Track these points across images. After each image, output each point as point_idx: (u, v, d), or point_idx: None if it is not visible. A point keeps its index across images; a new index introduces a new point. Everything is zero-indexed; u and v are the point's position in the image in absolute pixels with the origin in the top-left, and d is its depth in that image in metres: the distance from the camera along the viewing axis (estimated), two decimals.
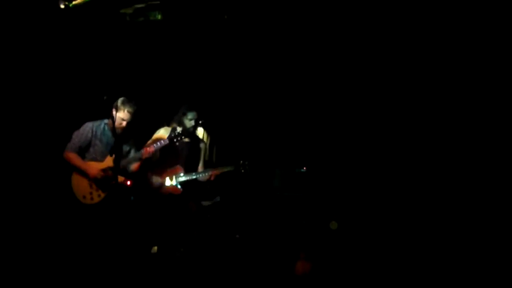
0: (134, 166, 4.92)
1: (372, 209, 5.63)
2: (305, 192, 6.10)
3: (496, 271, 4.43)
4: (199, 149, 5.34)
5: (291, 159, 6.37)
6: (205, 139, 5.61)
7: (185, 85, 6.13)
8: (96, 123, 4.80)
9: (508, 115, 4.93)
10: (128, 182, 4.77)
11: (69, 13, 4.66)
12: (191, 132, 5.19)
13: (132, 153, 4.92)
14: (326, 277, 4.72)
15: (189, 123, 5.17)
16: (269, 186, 6.16)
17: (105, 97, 4.40)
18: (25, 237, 4.90)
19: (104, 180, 4.64)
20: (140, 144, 5.06)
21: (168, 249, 5.12)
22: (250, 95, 6.33)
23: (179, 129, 5.16)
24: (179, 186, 5.13)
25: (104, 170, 4.64)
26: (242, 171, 5.22)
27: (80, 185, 4.68)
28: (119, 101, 4.70)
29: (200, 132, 5.62)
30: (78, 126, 4.81)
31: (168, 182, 5.12)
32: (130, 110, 4.68)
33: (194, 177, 5.15)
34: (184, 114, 5.18)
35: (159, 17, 5.34)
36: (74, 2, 4.58)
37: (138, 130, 5.00)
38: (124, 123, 4.70)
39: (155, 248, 5.19)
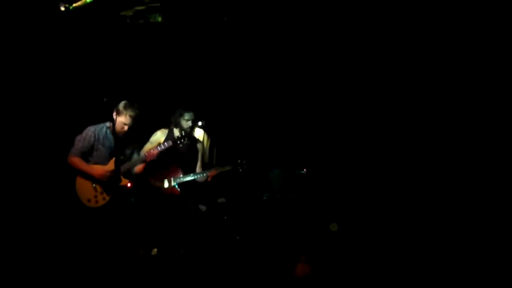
0: (138, 168, 4.93)
1: (372, 211, 5.63)
2: (305, 194, 6.10)
3: (496, 271, 4.43)
4: (196, 150, 5.34)
5: (292, 161, 6.37)
6: (205, 142, 5.61)
7: (185, 87, 6.14)
8: (98, 127, 4.78)
9: (508, 115, 4.93)
10: (129, 184, 4.78)
11: (70, 15, 4.65)
12: (188, 133, 5.21)
13: (135, 156, 4.93)
14: (326, 279, 4.72)
15: (186, 123, 5.18)
16: (269, 188, 6.16)
17: (105, 99, 4.41)
18: (30, 241, 4.93)
19: (110, 182, 4.65)
20: (140, 146, 5.08)
21: (168, 251, 5.13)
22: (250, 97, 6.33)
23: (176, 131, 5.17)
24: (177, 187, 5.14)
25: (109, 171, 4.65)
26: (240, 170, 5.23)
27: (84, 188, 4.69)
28: (121, 104, 4.69)
29: (200, 134, 5.62)
30: (79, 128, 4.81)
31: (166, 184, 5.13)
32: (132, 114, 4.67)
33: (193, 177, 5.16)
34: (181, 115, 5.18)
35: (159, 19, 5.35)
36: (74, 5, 4.58)
37: (136, 132, 5.00)
38: (125, 128, 4.70)
39: (155, 250, 5.20)
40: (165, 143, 4.87)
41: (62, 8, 4.55)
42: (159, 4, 5.27)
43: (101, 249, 4.59)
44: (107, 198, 4.71)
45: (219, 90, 6.28)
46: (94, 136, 4.73)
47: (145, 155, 4.84)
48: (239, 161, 5.23)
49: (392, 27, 5.31)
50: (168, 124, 5.31)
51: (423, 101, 5.43)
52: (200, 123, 5.63)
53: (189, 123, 5.18)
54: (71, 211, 4.70)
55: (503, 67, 4.94)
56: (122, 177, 4.64)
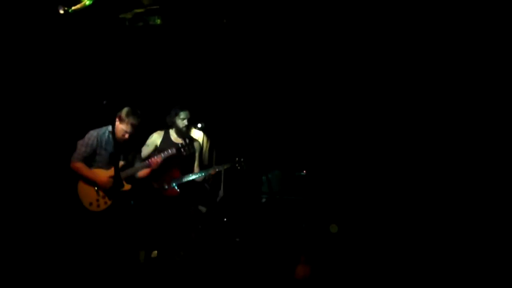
0: (142, 173, 4.93)
1: (372, 212, 5.63)
2: (305, 196, 6.10)
3: (496, 271, 4.43)
4: (193, 149, 5.34)
5: (291, 162, 6.37)
6: (204, 143, 5.60)
7: (185, 89, 6.14)
8: (101, 131, 4.76)
9: (508, 115, 4.93)
10: (128, 186, 4.78)
11: (69, 18, 4.66)
12: (184, 132, 5.21)
13: (138, 161, 4.93)
14: (326, 280, 4.71)
15: (182, 122, 5.17)
16: (269, 189, 6.16)
17: (104, 102, 4.40)
18: (30, 242, 4.93)
19: (112, 188, 4.64)
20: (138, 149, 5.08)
21: (168, 253, 5.13)
22: (250, 99, 6.33)
23: (172, 132, 5.14)
24: (176, 188, 5.14)
25: (112, 177, 4.62)
26: (238, 167, 5.23)
27: (87, 192, 4.69)
28: (124, 111, 4.67)
29: (200, 136, 5.61)
30: (79, 131, 4.81)
31: (166, 185, 5.14)
32: (134, 122, 4.65)
33: (192, 178, 5.16)
34: (177, 114, 5.17)
35: (158, 22, 5.35)
36: (73, 8, 4.58)
37: (137, 140, 5.01)
38: (126, 135, 4.68)
39: (155, 252, 5.20)
40: (169, 150, 4.87)
41: (61, 11, 4.54)
42: (158, 7, 5.28)
43: (102, 252, 4.59)
44: (109, 202, 4.71)
45: (219, 92, 6.28)
46: (97, 141, 4.71)
47: (149, 162, 4.84)
48: (237, 158, 5.24)
49: (392, 27, 5.31)
50: (163, 125, 5.31)
51: (422, 102, 5.43)
52: (199, 125, 5.63)
53: (185, 122, 5.17)
54: (73, 214, 4.70)
55: (503, 67, 4.94)
56: (124, 182, 4.65)
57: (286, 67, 6.04)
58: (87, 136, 4.73)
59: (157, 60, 5.92)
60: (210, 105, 6.17)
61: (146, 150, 5.19)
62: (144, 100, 5.60)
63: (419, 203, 5.34)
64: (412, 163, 5.49)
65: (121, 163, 4.74)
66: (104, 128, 4.77)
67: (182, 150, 4.89)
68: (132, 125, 4.66)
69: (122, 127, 4.65)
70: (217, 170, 5.22)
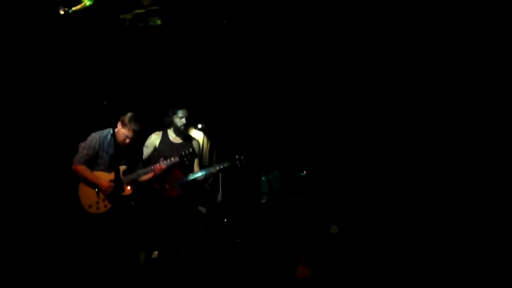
0: (145, 178, 4.93)
1: (373, 212, 5.63)
2: (306, 196, 6.09)
3: (496, 271, 4.43)
4: (192, 148, 5.34)
5: (292, 162, 6.37)
6: (205, 144, 5.61)
7: (185, 90, 6.14)
8: (103, 133, 4.76)
9: (508, 115, 4.93)
10: (128, 188, 4.78)
11: (69, 19, 4.66)
12: (182, 131, 5.21)
13: (140, 166, 4.93)
14: (326, 281, 4.71)
15: (180, 121, 5.18)
16: (269, 190, 6.16)
17: (105, 103, 4.40)
18: (31, 243, 4.93)
19: (113, 192, 4.64)
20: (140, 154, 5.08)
21: (168, 254, 5.13)
22: (250, 99, 6.33)
23: (170, 131, 5.17)
24: (177, 188, 5.14)
25: (113, 181, 4.62)
26: (239, 165, 5.23)
27: (87, 194, 4.70)
28: (127, 116, 4.68)
29: (200, 136, 5.61)
30: (79, 132, 4.81)
31: (166, 185, 5.14)
32: (135, 128, 4.66)
33: (192, 177, 5.16)
34: (174, 113, 5.18)
35: (159, 22, 5.36)
36: (73, 8, 4.59)
37: (138, 145, 5.02)
38: (127, 140, 4.69)
39: (156, 253, 5.20)
40: (172, 158, 4.90)
41: (62, 12, 4.55)
42: (158, 7, 5.28)
43: (102, 253, 4.59)
44: (109, 206, 4.71)
45: (219, 92, 6.28)
46: (99, 143, 4.71)
47: (153, 168, 4.86)
48: (237, 156, 5.24)
49: (392, 27, 5.32)
50: (161, 126, 5.31)
51: (422, 103, 5.43)
52: (199, 126, 5.64)
53: (183, 121, 5.18)
54: (72, 216, 4.71)
55: (503, 67, 4.94)
56: (125, 187, 4.65)
57: (286, 68, 6.04)
58: (89, 138, 4.73)
59: (157, 60, 5.92)
60: (210, 105, 6.17)
61: (145, 152, 5.20)
62: (144, 100, 5.61)
63: (419, 203, 5.34)
64: (412, 163, 5.50)
65: (123, 167, 4.75)
66: (106, 131, 4.76)
67: (185, 159, 4.93)
68: (134, 131, 4.67)
69: (124, 132, 4.66)
70: (217, 168, 5.22)
